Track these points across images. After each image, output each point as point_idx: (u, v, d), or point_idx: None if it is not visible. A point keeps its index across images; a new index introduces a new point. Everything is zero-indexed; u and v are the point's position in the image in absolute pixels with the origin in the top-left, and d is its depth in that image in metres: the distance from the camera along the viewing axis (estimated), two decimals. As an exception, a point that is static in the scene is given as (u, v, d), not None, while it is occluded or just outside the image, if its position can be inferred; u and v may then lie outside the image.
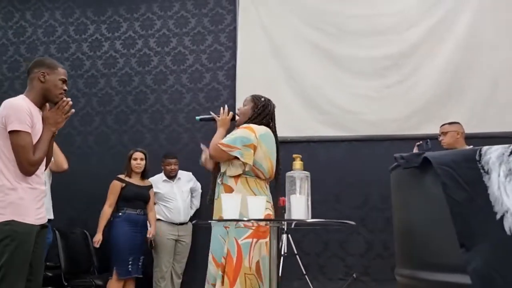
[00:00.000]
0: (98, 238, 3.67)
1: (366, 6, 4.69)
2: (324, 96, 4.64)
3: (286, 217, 1.69)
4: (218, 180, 2.57)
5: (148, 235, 3.84)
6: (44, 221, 2.26)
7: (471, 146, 3.54)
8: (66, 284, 3.71)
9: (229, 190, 2.50)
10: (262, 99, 2.69)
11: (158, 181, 4.17)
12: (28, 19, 5.36)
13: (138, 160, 3.87)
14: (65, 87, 2.26)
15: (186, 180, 4.27)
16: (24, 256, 2.09)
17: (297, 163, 1.72)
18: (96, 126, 5.00)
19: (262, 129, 2.58)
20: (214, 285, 2.41)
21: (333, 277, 4.38)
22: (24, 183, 2.11)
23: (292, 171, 1.72)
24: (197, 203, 4.34)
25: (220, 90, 4.88)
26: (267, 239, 2.41)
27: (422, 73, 4.48)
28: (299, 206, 1.58)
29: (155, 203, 4.11)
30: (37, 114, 2.19)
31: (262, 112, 2.63)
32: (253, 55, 4.80)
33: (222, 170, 2.55)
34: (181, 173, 4.29)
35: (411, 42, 4.54)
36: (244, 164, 2.47)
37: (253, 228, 2.38)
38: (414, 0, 4.62)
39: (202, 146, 2.85)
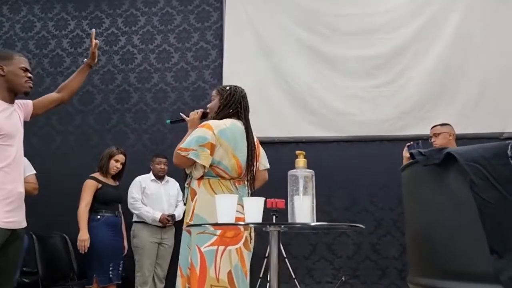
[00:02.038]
0: (86, 236, 3.39)
1: (356, 5, 4.63)
2: (313, 96, 4.56)
3: (289, 219, 1.57)
4: (186, 183, 2.40)
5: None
6: (17, 226, 2.06)
7: (463, 147, 3.50)
8: (43, 291, 3.53)
9: (194, 193, 2.33)
10: (227, 87, 2.49)
11: (146, 180, 4.05)
12: (5, 14, 5.14)
13: (119, 164, 3.70)
14: (29, 75, 2.19)
15: (174, 185, 4.12)
16: None
17: (300, 161, 1.58)
18: (77, 125, 4.81)
19: (223, 124, 2.36)
20: None
21: (321, 280, 4.29)
22: None
23: (294, 170, 1.59)
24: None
25: (207, 89, 4.75)
26: (238, 245, 2.26)
27: (412, 73, 4.44)
28: (303, 208, 1.46)
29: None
30: (4, 108, 2.12)
31: (229, 102, 2.43)
32: (240, 53, 4.69)
33: (188, 171, 2.39)
34: (168, 178, 4.15)
35: (400, 42, 4.49)
36: (203, 166, 2.28)
37: (217, 234, 2.20)
38: (404, 0, 4.58)
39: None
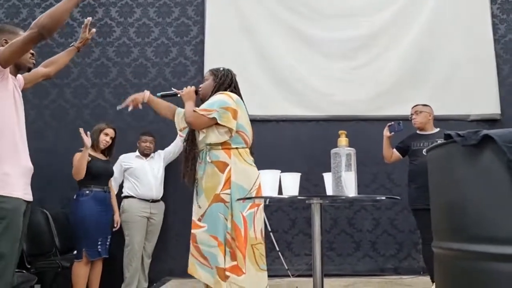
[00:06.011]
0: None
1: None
2: (294, 76, 4.66)
3: (333, 193, 1.70)
4: (207, 158, 2.44)
5: (115, 225, 3.75)
6: (30, 198, 2.10)
7: (439, 129, 3.75)
8: (29, 266, 3.47)
9: (223, 166, 2.39)
10: (221, 69, 2.67)
11: (130, 158, 4.05)
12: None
13: (108, 138, 3.69)
14: (32, 51, 2.13)
15: (158, 159, 4.13)
16: (15, 236, 1.92)
17: (342, 140, 1.72)
18: (53, 99, 4.66)
19: (237, 96, 2.55)
20: (220, 268, 2.31)
21: (300, 253, 4.48)
22: (9, 159, 1.96)
23: (337, 148, 1.72)
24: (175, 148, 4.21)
25: (188, 66, 4.74)
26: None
27: (389, 55, 4.64)
28: (347, 183, 1.59)
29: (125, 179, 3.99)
30: (13, 81, 2.07)
31: (225, 81, 2.59)
32: (222, 30, 4.69)
33: (202, 139, 2.45)
34: (153, 154, 4.15)
35: (379, 25, 4.67)
36: (230, 130, 2.40)
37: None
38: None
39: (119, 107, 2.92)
